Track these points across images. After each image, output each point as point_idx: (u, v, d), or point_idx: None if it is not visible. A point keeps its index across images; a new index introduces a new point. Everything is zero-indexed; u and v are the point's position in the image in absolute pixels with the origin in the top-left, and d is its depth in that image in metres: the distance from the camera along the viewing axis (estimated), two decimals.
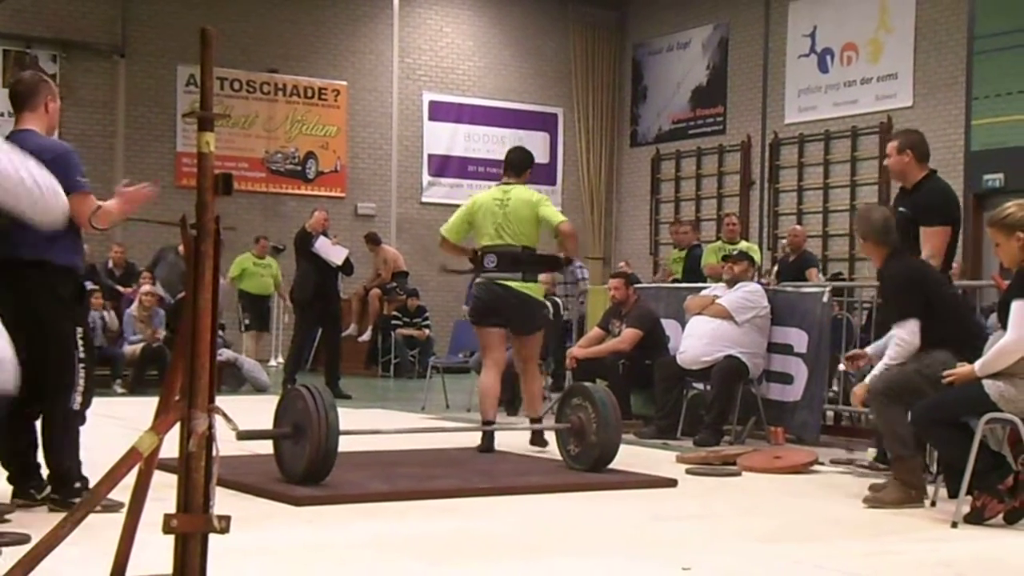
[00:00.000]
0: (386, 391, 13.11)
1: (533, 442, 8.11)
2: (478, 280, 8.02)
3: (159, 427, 3.73)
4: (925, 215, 6.68)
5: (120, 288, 14.28)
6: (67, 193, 5.27)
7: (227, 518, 3.68)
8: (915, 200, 6.78)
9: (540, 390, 8.32)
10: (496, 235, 7.92)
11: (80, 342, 5.43)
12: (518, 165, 8.27)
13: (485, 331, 8.05)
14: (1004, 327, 5.65)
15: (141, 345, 12.91)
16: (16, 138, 5.40)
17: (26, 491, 5.39)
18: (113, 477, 3.68)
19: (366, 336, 16.55)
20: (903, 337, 6.06)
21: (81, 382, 5.41)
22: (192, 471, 3.66)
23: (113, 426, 8.17)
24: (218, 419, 3.70)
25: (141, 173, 17.59)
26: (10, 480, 5.45)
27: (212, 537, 3.64)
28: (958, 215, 6.85)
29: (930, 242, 6.61)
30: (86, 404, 5.49)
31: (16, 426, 5.42)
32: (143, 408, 10.27)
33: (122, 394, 12.37)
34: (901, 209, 6.84)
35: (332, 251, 12.62)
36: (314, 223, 12.85)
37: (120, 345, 13.04)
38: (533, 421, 8.12)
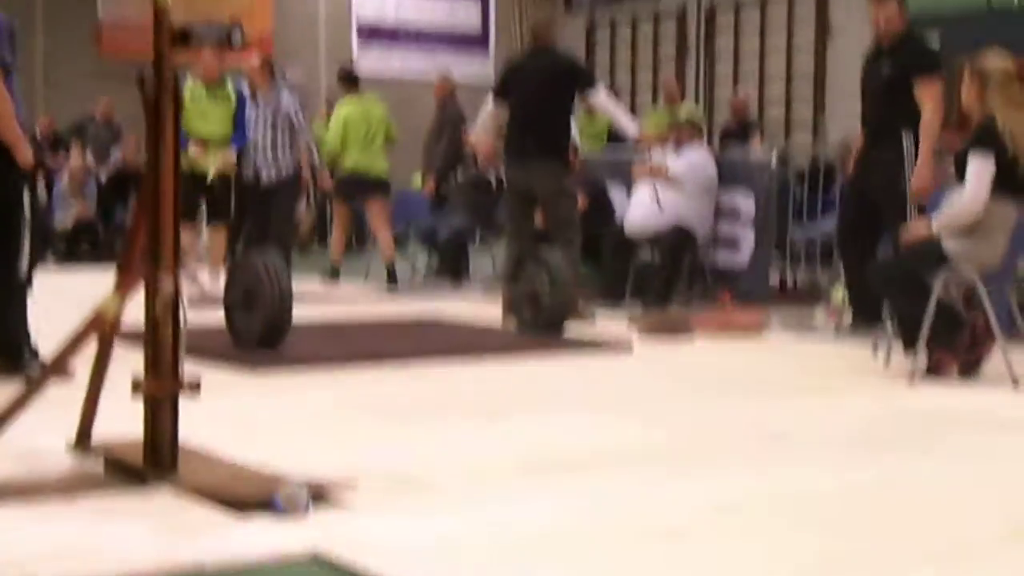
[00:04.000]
0: (325, 261, 12.92)
1: (389, 280, 10.31)
2: None
3: (122, 289, 3.62)
4: (919, 68, 6.71)
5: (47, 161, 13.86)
6: None
7: (197, 382, 3.61)
8: (901, 57, 6.82)
9: (391, 241, 10.59)
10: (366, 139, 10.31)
11: (26, 206, 5.25)
12: (355, 80, 10.89)
13: (341, 205, 10.80)
14: (961, 182, 5.66)
15: (73, 218, 12.62)
16: None
17: None
18: (77, 341, 3.58)
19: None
20: None
21: (26, 247, 5.24)
22: (159, 334, 3.56)
23: (50, 299, 7.98)
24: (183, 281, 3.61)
25: (62, 44, 17.07)
26: None
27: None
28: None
29: (929, 95, 6.65)
30: (31, 269, 5.33)
31: None
32: (78, 281, 10.14)
33: (55, 267, 12.10)
34: (885, 71, 6.86)
35: None
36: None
37: (50, 219, 12.72)
38: (389, 266, 10.42)
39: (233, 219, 9.42)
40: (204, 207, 9.21)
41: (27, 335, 5.30)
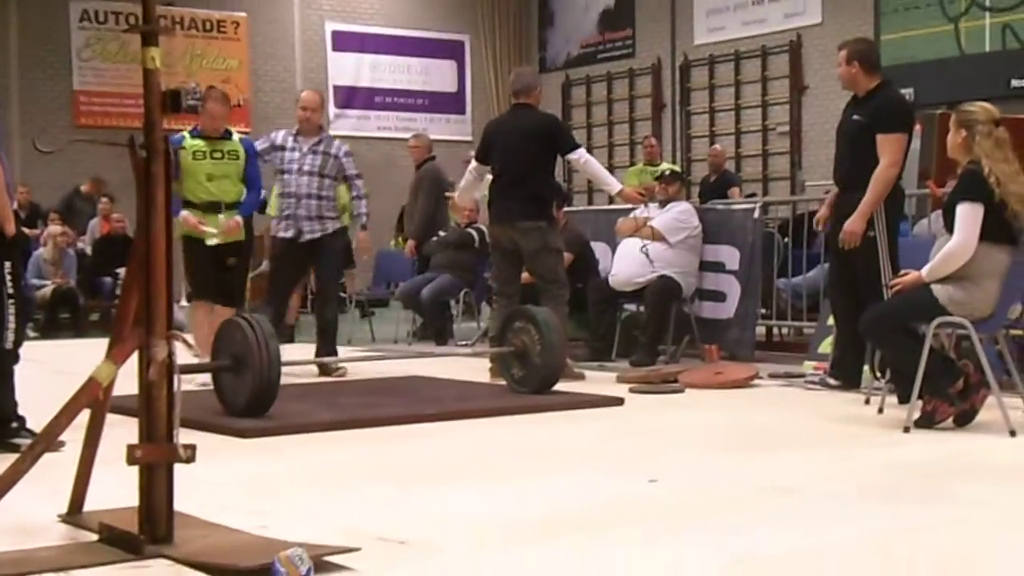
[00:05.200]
0: (307, 326, 12.85)
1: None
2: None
3: (116, 356, 3.56)
4: (881, 122, 6.70)
5: (26, 230, 13.78)
6: None
7: (192, 447, 3.54)
8: (870, 108, 6.79)
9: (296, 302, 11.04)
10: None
11: (8, 278, 5.18)
12: None
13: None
14: (949, 231, 5.66)
15: (52, 287, 12.53)
16: None
17: None
18: (72, 409, 3.51)
19: None
20: None
21: (11, 319, 5.17)
22: (154, 400, 3.50)
23: (32, 369, 7.88)
24: (178, 346, 3.55)
25: (38, 114, 17.05)
26: None
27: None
28: (912, 124, 6.88)
29: (888, 150, 6.64)
30: (18, 342, 5.26)
31: None
32: (58, 351, 10.03)
33: (34, 338, 11.98)
34: (855, 117, 6.87)
35: None
36: None
37: (28, 289, 12.62)
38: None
39: (273, 282, 8.39)
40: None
41: (14, 407, 5.22)
